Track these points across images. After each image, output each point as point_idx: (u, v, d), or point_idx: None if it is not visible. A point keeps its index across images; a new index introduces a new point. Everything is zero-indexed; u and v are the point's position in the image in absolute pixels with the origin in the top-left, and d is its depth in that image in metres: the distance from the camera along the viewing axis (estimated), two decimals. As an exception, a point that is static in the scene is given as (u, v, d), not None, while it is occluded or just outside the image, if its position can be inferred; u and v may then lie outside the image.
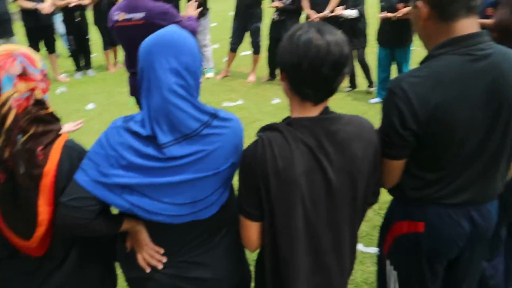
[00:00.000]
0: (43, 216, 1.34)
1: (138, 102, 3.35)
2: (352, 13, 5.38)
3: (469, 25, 1.41)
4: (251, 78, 6.64)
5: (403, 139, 1.44)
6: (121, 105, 5.70)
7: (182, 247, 1.46)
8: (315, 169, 1.32)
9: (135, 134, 1.32)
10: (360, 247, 2.85)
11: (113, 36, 3.49)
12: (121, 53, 7.61)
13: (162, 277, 1.47)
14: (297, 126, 1.34)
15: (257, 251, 1.50)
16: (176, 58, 1.32)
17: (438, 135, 1.43)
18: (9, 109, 1.28)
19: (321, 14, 5.60)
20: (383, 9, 5.19)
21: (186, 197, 1.36)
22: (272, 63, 6.48)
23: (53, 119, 1.39)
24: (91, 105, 5.88)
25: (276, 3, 5.85)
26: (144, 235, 1.45)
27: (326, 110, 1.38)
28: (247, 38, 6.51)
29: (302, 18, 6.10)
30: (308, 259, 1.41)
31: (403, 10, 4.87)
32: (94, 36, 7.51)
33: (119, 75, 7.20)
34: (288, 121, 1.37)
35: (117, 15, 3.20)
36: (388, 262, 1.73)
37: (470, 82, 1.40)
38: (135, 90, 3.45)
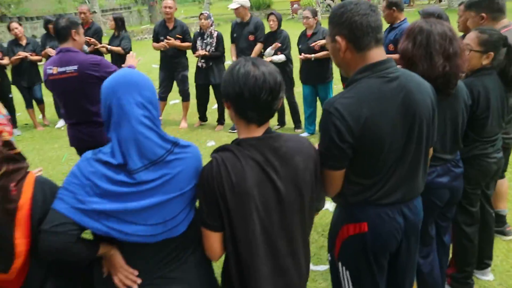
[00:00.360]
0: (20, 248, 1.41)
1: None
2: (280, 57, 5.78)
3: (378, 53, 1.70)
4: (183, 124, 6.78)
5: (343, 151, 1.65)
6: (54, 161, 5.55)
7: (156, 264, 1.57)
8: (264, 181, 1.50)
9: (106, 163, 1.45)
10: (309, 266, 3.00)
11: (48, 89, 3.48)
12: (49, 109, 7.52)
13: None
14: (245, 145, 1.52)
15: (222, 262, 1.62)
16: (140, 93, 1.48)
17: (369, 145, 1.67)
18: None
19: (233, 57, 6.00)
20: (301, 51, 5.65)
21: (158, 218, 1.49)
22: (202, 108, 6.68)
23: (22, 158, 1.48)
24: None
25: (201, 52, 6.10)
26: (118, 259, 1.54)
27: (268, 130, 1.58)
28: (175, 87, 6.68)
29: (226, 64, 6.39)
30: (268, 263, 1.57)
31: (320, 54, 5.41)
32: (17, 95, 7.31)
33: (47, 132, 7.06)
34: (237, 141, 1.55)
35: (51, 69, 3.25)
36: (340, 264, 1.90)
37: (388, 99, 1.66)
38: (75, 140, 3.45)
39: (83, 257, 1.46)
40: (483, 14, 3.05)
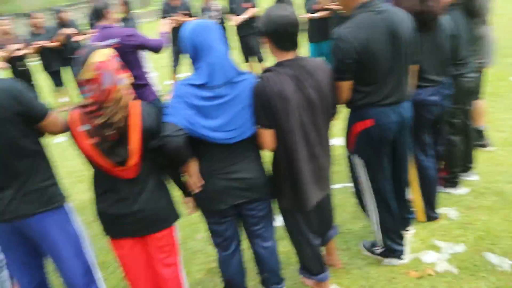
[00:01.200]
0: (135, 145, 2.10)
1: None
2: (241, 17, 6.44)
3: None
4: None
5: (348, 65, 2.31)
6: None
7: (231, 160, 2.24)
8: (297, 89, 2.15)
9: (193, 85, 2.10)
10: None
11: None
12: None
13: (217, 180, 2.24)
14: (282, 65, 2.17)
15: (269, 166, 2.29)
16: (215, 32, 2.15)
17: (368, 60, 2.32)
18: (124, 94, 2.06)
19: (241, 17, 6.64)
20: (308, 11, 6.32)
21: (234, 124, 2.15)
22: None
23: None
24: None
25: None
26: (195, 167, 2.25)
27: (296, 55, 2.21)
28: (184, 60, 7.27)
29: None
30: (304, 149, 2.24)
31: (319, 14, 6.04)
32: (42, 84, 7.85)
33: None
34: (276, 64, 2.19)
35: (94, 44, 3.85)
36: (356, 156, 2.57)
37: (378, 26, 2.31)
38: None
39: (186, 157, 2.15)
40: None
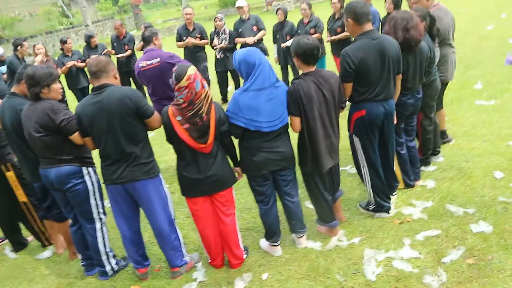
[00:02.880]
0: (212, 130, 3.17)
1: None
2: (290, 42, 7.53)
3: (368, 27, 3.53)
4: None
5: (350, 74, 3.49)
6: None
7: (270, 140, 3.33)
8: (318, 90, 3.30)
9: (245, 90, 3.21)
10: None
11: (140, 79, 5.15)
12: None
13: (262, 153, 3.34)
14: (307, 75, 3.33)
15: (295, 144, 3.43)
16: (261, 53, 3.27)
17: (362, 71, 3.49)
18: (208, 94, 3.15)
19: (250, 40, 7.75)
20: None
21: (277, 115, 3.26)
22: (223, 90, 8.41)
23: None
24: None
25: (221, 45, 7.84)
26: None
27: (316, 68, 3.36)
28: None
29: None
30: (321, 130, 3.38)
31: (315, 35, 7.25)
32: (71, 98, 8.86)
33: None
34: (303, 74, 3.35)
35: (142, 63, 4.95)
36: (354, 136, 3.74)
37: (372, 48, 3.49)
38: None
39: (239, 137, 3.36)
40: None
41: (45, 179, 3.51)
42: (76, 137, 3.32)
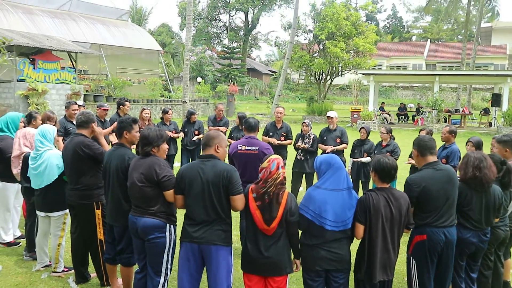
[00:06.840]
0: (279, 215, 3.53)
1: None
2: (367, 159, 8.08)
3: (432, 158, 3.92)
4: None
5: (412, 199, 3.80)
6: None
7: (332, 240, 3.61)
8: (386, 205, 3.62)
9: (319, 187, 3.62)
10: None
11: (233, 159, 5.61)
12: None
13: (320, 250, 3.61)
14: (380, 190, 3.69)
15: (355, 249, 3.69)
16: (338, 158, 3.73)
17: (424, 198, 3.80)
18: (281, 177, 3.58)
19: (330, 148, 8.26)
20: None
21: (342, 218, 3.59)
22: (295, 191, 8.71)
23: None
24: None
25: (303, 145, 8.39)
26: None
27: (389, 185, 3.70)
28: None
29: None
30: (382, 243, 3.62)
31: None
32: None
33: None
34: (377, 188, 3.71)
35: (241, 146, 5.54)
36: (411, 258, 3.93)
37: (435, 178, 3.83)
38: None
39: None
40: (507, 149, 4.98)
41: (132, 225, 4.00)
42: (170, 193, 3.85)
